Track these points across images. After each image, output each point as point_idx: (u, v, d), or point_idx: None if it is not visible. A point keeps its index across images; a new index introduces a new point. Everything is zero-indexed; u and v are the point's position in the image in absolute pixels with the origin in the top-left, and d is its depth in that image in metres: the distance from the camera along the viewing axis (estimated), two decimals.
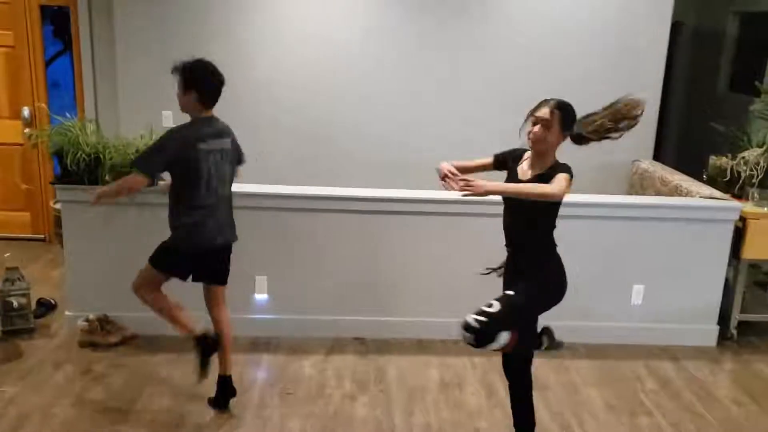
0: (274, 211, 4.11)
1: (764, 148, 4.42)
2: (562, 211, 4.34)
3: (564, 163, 2.74)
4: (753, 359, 4.24)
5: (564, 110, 2.71)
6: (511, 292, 2.79)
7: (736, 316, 4.43)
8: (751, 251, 4.26)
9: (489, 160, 2.96)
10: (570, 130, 2.73)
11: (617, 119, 2.76)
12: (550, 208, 2.74)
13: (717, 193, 4.38)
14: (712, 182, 4.63)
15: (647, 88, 5.47)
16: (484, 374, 3.87)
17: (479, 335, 2.68)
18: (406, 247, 4.18)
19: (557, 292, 2.84)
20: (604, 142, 5.47)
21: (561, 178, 2.63)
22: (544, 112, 2.68)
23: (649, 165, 5.29)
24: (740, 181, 4.44)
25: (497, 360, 3.98)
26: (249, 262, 4.06)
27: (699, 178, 4.75)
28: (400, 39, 5.39)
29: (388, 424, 3.35)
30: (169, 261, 3.27)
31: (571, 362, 4.08)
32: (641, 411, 3.60)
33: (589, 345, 4.25)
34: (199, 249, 3.24)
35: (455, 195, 4.11)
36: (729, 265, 4.32)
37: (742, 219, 4.23)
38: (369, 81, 5.43)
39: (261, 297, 4.19)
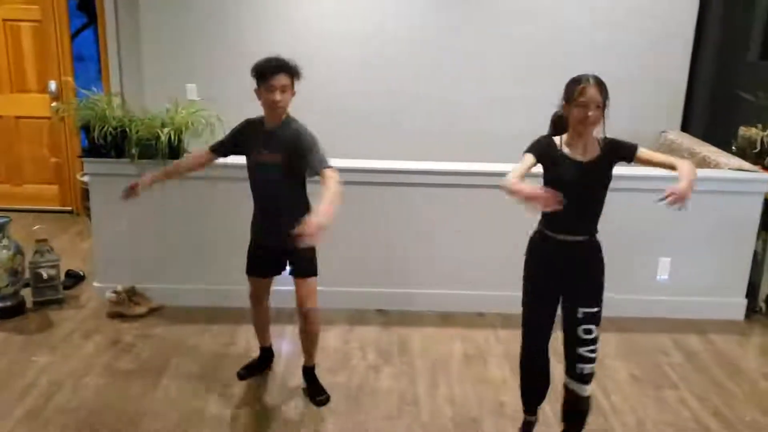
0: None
1: None
2: None
3: (609, 137, 2.68)
4: None
5: (605, 85, 2.58)
6: (594, 309, 2.72)
7: (765, 290, 4.37)
8: None
9: (532, 160, 2.65)
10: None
11: None
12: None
13: (746, 165, 4.30)
14: (741, 153, 4.53)
15: (676, 57, 5.37)
16: (507, 348, 3.87)
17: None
18: (429, 220, 4.17)
19: None
20: (634, 111, 5.38)
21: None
22: (594, 93, 2.52)
23: (676, 136, 5.20)
24: None
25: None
26: None
27: (728, 150, 4.66)
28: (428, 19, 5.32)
29: (413, 396, 3.38)
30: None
31: None
32: (667, 384, 3.58)
33: (614, 318, 4.19)
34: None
35: (477, 166, 4.11)
36: (758, 238, 4.25)
37: None
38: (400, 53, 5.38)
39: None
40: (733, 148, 4.66)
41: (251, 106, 3.14)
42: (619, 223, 4.17)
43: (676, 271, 4.25)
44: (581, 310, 2.71)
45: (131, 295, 4.09)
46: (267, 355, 3.61)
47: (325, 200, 2.80)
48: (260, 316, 3.50)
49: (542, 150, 2.67)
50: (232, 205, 3.95)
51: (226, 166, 3.42)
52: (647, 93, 5.38)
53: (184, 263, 4.20)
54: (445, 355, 3.79)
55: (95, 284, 4.30)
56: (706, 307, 4.30)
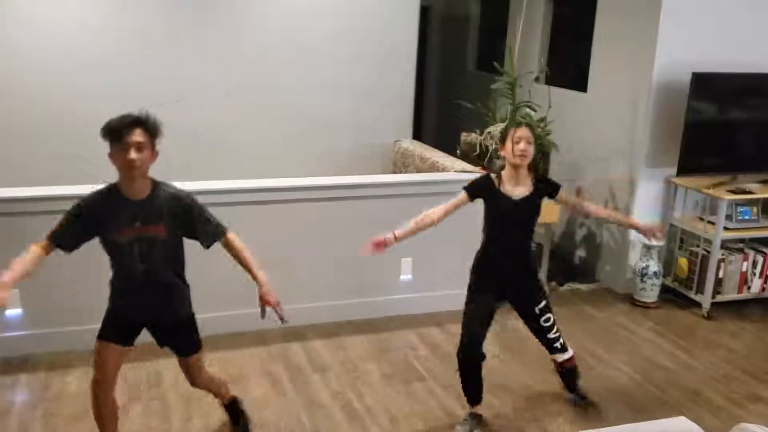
0: (16, 216, 3.71)
1: (506, 122, 4.85)
2: (329, 193, 4.45)
3: (546, 177, 3.47)
4: (509, 317, 4.63)
5: (532, 126, 3.33)
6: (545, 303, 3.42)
7: None
8: None
9: (462, 198, 3.34)
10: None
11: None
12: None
13: (468, 167, 4.74)
14: (464, 157, 5.00)
15: (403, 71, 5.75)
16: (264, 364, 3.86)
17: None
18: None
19: None
20: (371, 124, 5.66)
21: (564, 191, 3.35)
22: (525, 131, 3.13)
23: (409, 144, 5.58)
24: (488, 154, 4.84)
25: (277, 348, 4.01)
26: None
27: (454, 154, 5.11)
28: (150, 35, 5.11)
29: None
30: None
31: (349, 339, 4.22)
32: (415, 377, 3.82)
33: (365, 321, 4.42)
34: None
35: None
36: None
37: None
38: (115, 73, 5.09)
39: (13, 312, 3.78)
40: (458, 152, 5.13)
41: None
42: (362, 229, 4.35)
43: (417, 270, 4.56)
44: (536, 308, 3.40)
45: None
46: None
47: (252, 268, 2.81)
48: (108, 404, 2.85)
49: (481, 187, 3.30)
50: None
51: None
52: (381, 106, 5.68)
53: None
54: None
55: None
56: (444, 300, 4.66)
